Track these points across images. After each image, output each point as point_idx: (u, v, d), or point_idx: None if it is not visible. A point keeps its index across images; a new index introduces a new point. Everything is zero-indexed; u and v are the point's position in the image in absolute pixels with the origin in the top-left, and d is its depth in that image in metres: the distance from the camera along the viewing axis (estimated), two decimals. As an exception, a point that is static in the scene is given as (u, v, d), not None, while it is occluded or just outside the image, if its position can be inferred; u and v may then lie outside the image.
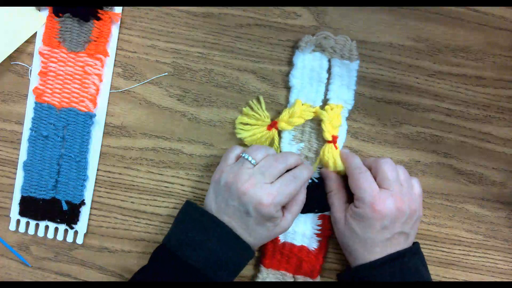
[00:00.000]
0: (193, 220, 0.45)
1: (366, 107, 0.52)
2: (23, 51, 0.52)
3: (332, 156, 0.49)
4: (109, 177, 0.53)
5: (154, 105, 0.52)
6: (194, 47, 0.52)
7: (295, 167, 0.46)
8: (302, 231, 0.51)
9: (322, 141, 0.50)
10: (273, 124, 0.50)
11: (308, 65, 0.50)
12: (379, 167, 0.45)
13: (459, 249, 0.52)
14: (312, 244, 0.51)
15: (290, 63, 0.51)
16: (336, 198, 0.48)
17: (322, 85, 0.50)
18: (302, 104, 0.50)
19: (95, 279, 0.53)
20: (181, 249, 0.44)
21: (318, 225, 0.51)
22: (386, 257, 0.44)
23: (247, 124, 0.50)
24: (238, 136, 0.50)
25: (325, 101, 0.51)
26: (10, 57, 0.52)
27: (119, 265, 0.53)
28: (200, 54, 0.52)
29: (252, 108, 0.51)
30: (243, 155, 0.46)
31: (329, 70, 0.50)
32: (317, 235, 0.51)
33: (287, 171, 0.45)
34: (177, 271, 0.43)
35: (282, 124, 0.49)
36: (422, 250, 0.52)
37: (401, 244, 0.45)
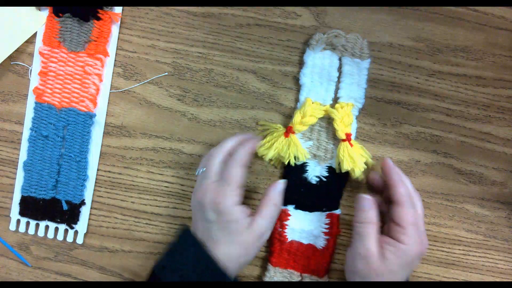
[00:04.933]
0: (180, 245, 0.44)
1: (366, 107, 0.52)
2: (23, 51, 0.52)
3: (348, 154, 0.48)
4: (109, 177, 0.53)
5: (154, 105, 0.52)
6: (194, 47, 0.52)
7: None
8: (310, 230, 0.51)
9: (332, 139, 0.50)
10: (288, 130, 0.49)
11: (318, 64, 0.50)
12: (415, 202, 0.44)
13: (459, 249, 0.52)
14: (319, 242, 0.50)
15: (290, 63, 0.51)
16: (372, 229, 0.43)
17: (333, 83, 0.50)
18: (313, 103, 0.50)
19: (95, 279, 0.53)
20: (164, 274, 0.42)
21: (326, 224, 0.50)
22: None
23: (266, 144, 0.50)
24: (267, 159, 0.50)
25: (335, 100, 0.51)
26: (10, 57, 0.52)
27: (119, 265, 0.53)
28: (200, 54, 0.52)
29: (264, 127, 0.51)
30: (196, 174, 0.46)
31: (339, 69, 0.50)
32: (325, 233, 0.50)
33: None
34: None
35: (297, 127, 0.49)
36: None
37: None
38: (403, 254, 0.41)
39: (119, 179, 0.53)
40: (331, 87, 0.50)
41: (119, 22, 0.52)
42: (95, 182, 0.53)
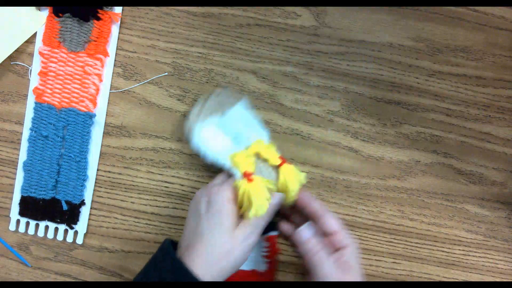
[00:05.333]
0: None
1: (366, 107, 0.52)
2: (23, 51, 0.52)
3: (294, 175, 0.46)
4: (109, 177, 0.53)
5: (154, 105, 0.52)
6: (194, 47, 0.52)
7: None
8: (250, 256, 0.48)
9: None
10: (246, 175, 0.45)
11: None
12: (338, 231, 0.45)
13: (459, 249, 0.52)
14: (261, 267, 0.49)
15: (290, 63, 0.51)
16: (323, 254, 0.43)
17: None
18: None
19: (95, 279, 0.53)
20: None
21: (266, 247, 0.49)
22: None
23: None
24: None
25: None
26: (10, 57, 0.52)
27: (119, 265, 0.53)
28: (200, 54, 0.52)
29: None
30: None
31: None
32: (266, 257, 0.49)
33: None
34: None
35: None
36: (422, 250, 0.52)
37: None
38: (354, 253, 0.43)
39: (119, 179, 0.53)
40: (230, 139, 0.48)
41: (119, 22, 0.52)
42: (95, 182, 0.53)
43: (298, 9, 0.51)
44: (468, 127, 0.52)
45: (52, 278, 0.54)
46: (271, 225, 0.47)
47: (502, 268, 0.52)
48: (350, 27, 0.51)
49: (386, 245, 0.52)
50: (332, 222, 0.44)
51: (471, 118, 0.52)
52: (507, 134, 0.52)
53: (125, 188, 0.53)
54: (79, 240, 0.53)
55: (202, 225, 0.42)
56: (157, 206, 0.53)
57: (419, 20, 0.51)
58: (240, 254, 0.42)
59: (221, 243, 0.41)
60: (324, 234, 0.44)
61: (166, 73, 0.52)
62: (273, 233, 0.49)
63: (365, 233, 0.52)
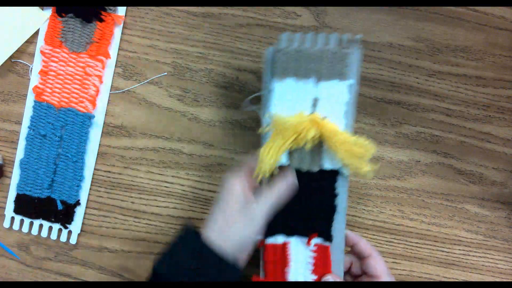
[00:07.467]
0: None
1: (366, 107, 0.52)
2: (24, 51, 0.52)
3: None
4: (109, 177, 0.53)
5: (154, 105, 0.52)
6: (194, 47, 0.52)
7: None
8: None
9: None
10: None
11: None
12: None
13: (459, 249, 0.52)
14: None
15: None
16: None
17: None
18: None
19: (95, 279, 0.53)
20: (161, 267, 0.40)
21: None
22: None
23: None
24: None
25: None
26: (11, 56, 0.52)
27: (119, 265, 0.53)
28: (200, 54, 0.52)
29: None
30: None
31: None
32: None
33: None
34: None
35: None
36: (422, 250, 0.52)
37: None
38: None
39: (119, 179, 0.53)
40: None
41: (121, 25, 0.52)
42: (95, 182, 0.53)
43: (298, 9, 0.51)
44: (468, 127, 0.52)
45: (52, 278, 0.53)
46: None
47: (502, 268, 0.52)
48: (350, 27, 0.51)
49: (386, 245, 0.52)
50: (364, 244, 0.44)
51: (471, 118, 0.52)
52: (507, 134, 0.52)
53: (125, 188, 0.53)
54: (73, 240, 0.53)
55: (216, 207, 0.42)
56: (157, 206, 0.53)
57: (419, 20, 0.51)
58: (248, 233, 0.41)
59: (229, 212, 0.41)
60: (365, 274, 0.44)
61: (166, 73, 0.52)
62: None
63: (365, 233, 0.52)
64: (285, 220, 0.43)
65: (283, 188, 0.42)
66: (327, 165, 0.42)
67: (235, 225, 0.41)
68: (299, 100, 0.41)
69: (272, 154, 0.40)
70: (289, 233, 0.43)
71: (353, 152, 0.40)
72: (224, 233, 0.40)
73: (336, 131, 0.40)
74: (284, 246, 0.43)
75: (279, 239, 0.43)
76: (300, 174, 0.42)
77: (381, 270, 0.43)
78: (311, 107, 0.42)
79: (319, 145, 0.42)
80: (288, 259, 0.43)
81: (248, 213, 0.41)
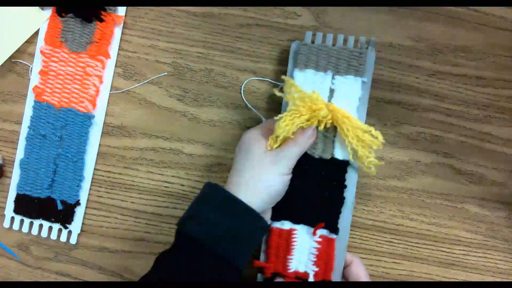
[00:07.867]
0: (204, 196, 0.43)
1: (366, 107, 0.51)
2: (24, 51, 0.52)
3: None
4: (109, 177, 0.53)
5: (154, 105, 0.52)
6: (194, 47, 0.52)
7: None
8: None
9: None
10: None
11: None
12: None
13: (459, 249, 0.52)
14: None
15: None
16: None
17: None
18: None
19: (95, 279, 0.53)
20: (184, 224, 0.41)
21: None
22: None
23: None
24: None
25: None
26: (11, 56, 0.52)
27: (119, 265, 0.53)
28: (200, 54, 0.52)
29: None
30: None
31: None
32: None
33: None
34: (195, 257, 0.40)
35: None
36: (422, 250, 0.52)
37: None
38: None
39: (119, 179, 0.53)
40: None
41: (121, 25, 0.52)
42: (95, 182, 0.53)
43: (298, 9, 0.51)
44: (468, 127, 0.52)
45: (52, 278, 0.54)
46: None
47: (502, 268, 0.52)
48: (350, 27, 0.51)
49: (386, 245, 0.52)
50: (360, 273, 0.45)
51: (471, 118, 0.52)
52: (507, 134, 0.52)
53: (125, 188, 0.53)
54: (73, 240, 0.53)
55: (238, 160, 0.43)
56: (157, 206, 0.53)
57: (419, 20, 0.51)
58: (270, 177, 0.42)
59: (250, 168, 0.42)
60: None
61: (166, 73, 0.52)
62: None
63: (365, 233, 0.52)
64: (293, 206, 0.45)
65: (304, 138, 0.43)
66: (338, 154, 0.45)
67: (262, 176, 0.41)
68: (317, 90, 0.44)
69: (288, 124, 0.42)
70: (296, 221, 0.45)
71: (363, 138, 0.43)
72: (250, 185, 0.41)
73: (349, 116, 0.43)
74: (290, 232, 0.45)
75: (285, 225, 0.45)
76: (312, 160, 0.45)
77: (363, 275, 0.45)
78: (327, 98, 0.46)
79: (332, 134, 0.45)
80: (292, 246, 0.45)
81: (274, 162, 0.42)
